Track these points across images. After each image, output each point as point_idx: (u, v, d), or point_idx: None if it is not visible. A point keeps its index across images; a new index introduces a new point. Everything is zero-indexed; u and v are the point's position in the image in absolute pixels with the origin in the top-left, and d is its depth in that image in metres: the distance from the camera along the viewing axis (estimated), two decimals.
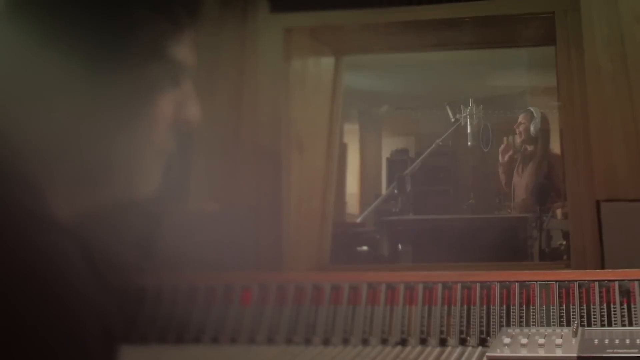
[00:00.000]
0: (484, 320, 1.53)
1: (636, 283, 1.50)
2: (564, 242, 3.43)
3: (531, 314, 1.52)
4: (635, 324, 1.46)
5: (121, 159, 0.68)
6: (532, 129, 4.31)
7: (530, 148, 4.34)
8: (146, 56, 0.67)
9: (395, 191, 4.45)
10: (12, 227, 0.56)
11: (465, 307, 1.55)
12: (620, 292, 1.50)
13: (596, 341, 1.34)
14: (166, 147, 0.72)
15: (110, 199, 0.70)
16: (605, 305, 1.49)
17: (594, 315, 1.49)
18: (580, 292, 1.52)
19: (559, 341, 1.34)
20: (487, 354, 1.34)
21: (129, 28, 0.65)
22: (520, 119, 4.42)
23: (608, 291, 1.50)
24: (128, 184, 0.70)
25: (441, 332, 1.53)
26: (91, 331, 0.56)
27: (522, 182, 4.32)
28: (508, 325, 1.51)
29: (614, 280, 1.52)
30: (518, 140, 4.50)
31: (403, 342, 1.54)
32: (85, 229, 0.65)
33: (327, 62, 2.45)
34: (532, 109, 4.44)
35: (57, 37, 0.64)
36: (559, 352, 1.31)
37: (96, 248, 0.62)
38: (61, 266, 0.56)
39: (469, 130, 5.02)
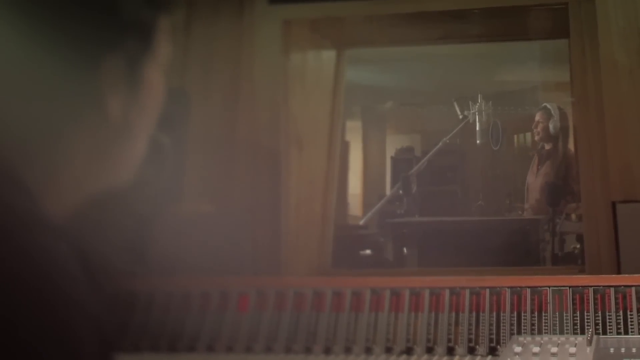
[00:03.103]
0: (494, 327, 1.53)
1: None
2: (578, 246, 3.43)
3: (543, 321, 1.52)
4: None
5: (101, 149, 0.70)
6: (551, 127, 4.31)
7: (548, 147, 4.34)
8: (126, 46, 0.68)
9: (400, 192, 4.45)
10: (4, 230, 0.57)
11: (474, 314, 1.56)
12: (638, 298, 1.50)
13: (612, 350, 1.34)
14: (145, 134, 0.74)
15: (94, 190, 0.71)
16: (621, 312, 1.49)
17: (610, 322, 1.49)
18: (595, 298, 1.52)
19: (572, 350, 1.34)
20: None
21: (115, 20, 0.67)
22: (538, 117, 4.42)
23: (624, 297, 1.50)
24: (110, 174, 0.72)
25: (448, 340, 1.53)
26: (86, 337, 0.57)
27: (536, 183, 4.32)
28: (519, 333, 1.51)
29: (630, 286, 1.52)
30: (536, 138, 4.49)
31: (408, 351, 1.54)
32: (75, 232, 0.65)
33: (328, 55, 2.45)
34: (548, 105, 4.44)
35: (43, 33, 0.64)
36: None
37: (87, 251, 0.62)
38: (55, 270, 0.57)
39: (477, 128, 5.02)
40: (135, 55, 0.69)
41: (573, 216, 3.75)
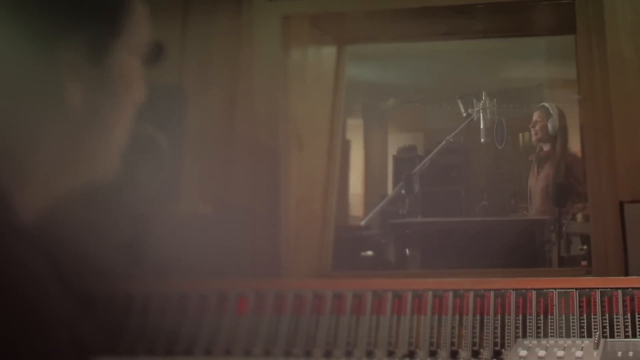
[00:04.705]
0: (499, 331, 1.53)
1: None
2: (585, 247, 3.43)
3: (549, 324, 1.52)
4: None
5: (78, 145, 0.68)
6: (550, 126, 4.30)
7: (546, 148, 4.34)
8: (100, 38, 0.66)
9: (403, 192, 4.45)
10: None
11: (478, 316, 1.56)
12: None
13: (619, 354, 1.35)
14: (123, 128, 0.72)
15: (70, 185, 0.69)
16: (629, 314, 1.49)
17: (617, 325, 1.49)
18: (602, 301, 1.52)
19: (579, 354, 1.35)
20: None
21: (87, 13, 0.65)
22: (535, 116, 4.41)
23: (632, 299, 1.50)
24: (85, 167, 0.70)
25: (452, 343, 1.54)
26: (58, 342, 0.57)
27: (538, 185, 4.31)
28: (524, 336, 1.51)
29: (639, 288, 1.52)
30: (534, 138, 4.49)
31: (411, 355, 1.54)
32: (66, 235, 0.65)
33: (329, 52, 2.45)
34: (547, 105, 4.44)
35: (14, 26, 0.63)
36: None
37: (79, 254, 0.62)
38: (24, 277, 0.57)
39: (482, 126, 5.02)
40: (99, 39, 0.66)
41: (579, 217, 3.75)
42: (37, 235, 0.63)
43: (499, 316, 1.55)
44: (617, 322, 1.49)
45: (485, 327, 1.54)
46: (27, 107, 0.65)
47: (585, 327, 1.50)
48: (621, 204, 1.95)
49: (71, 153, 0.68)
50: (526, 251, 3.72)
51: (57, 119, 0.66)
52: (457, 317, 1.56)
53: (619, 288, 1.52)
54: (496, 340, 1.52)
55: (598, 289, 1.53)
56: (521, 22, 2.43)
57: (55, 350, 0.57)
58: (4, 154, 0.65)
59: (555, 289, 1.55)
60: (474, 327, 1.54)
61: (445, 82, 5.60)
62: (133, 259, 1.82)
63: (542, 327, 1.52)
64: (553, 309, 1.53)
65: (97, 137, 0.70)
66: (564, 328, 1.50)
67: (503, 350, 1.50)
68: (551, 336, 1.50)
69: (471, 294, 1.58)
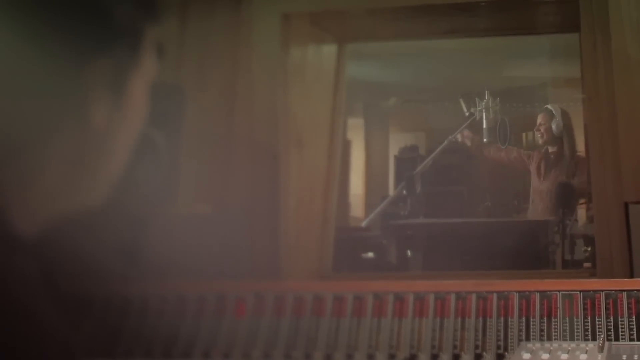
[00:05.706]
0: (502, 333, 1.53)
1: None
2: (589, 248, 3.43)
3: (553, 327, 1.52)
4: None
5: (80, 162, 0.69)
6: (554, 128, 4.31)
7: (552, 149, 4.34)
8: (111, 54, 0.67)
9: (404, 192, 4.45)
10: None
11: (480, 319, 1.55)
12: None
13: (624, 357, 1.34)
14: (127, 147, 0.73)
15: (68, 205, 0.70)
16: (634, 317, 1.49)
17: (622, 328, 1.48)
18: (606, 303, 1.52)
19: (583, 357, 1.34)
20: None
21: (108, 24, 0.66)
22: (540, 119, 4.43)
23: (637, 302, 1.50)
24: (85, 188, 0.71)
25: (454, 346, 1.53)
26: (47, 346, 0.57)
27: (542, 188, 4.31)
28: (528, 339, 1.51)
29: None
30: (540, 141, 4.49)
31: (412, 358, 1.54)
32: (62, 237, 0.65)
33: (329, 50, 2.45)
34: (550, 107, 4.45)
35: (31, 28, 0.63)
36: None
37: (76, 256, 0.63)
38: (18, 282, 0.57)
39: (484, 126, 5.01)
40: (122, 64, 0.68)
41: (584, 217, 3.75)
42: (31, 239, 0.63)
43: (502, 319, 1.55)
44: (622, 324, 1.49)
45: (488, 330, 1.54)
46: (43, 117, 0.66)
47: (589, 330, 1.50)
48: (626, 205, 1.95)
49: (76, 172, 0.69)
50: (529, 253, 3.72)
51: (69, 136, 0.67)
52: (459, 319, 1.56)
53: (624, 290, 1.52)
54: (499, 343, 1.52)
55: (602, 291, 1.53)
56: (524, 20, 2.43)
57: (44, 355, 0.57)
58: (10, 161, 0.65)
59: (559, 291, 1.55)
60: (476, 330, 1.54)
61: (448, 81, 5.61)
62: (130, 261, 1.82)
63: (545, 330, 1.52)
64: (557, 312, 1.53)
65: (102, 160, 0.71)
66: (567, 331, 1.50)
67: (506, 353, 1.50)
68: (555, 339, 1.49)
69: (474, 296, 1.58)
